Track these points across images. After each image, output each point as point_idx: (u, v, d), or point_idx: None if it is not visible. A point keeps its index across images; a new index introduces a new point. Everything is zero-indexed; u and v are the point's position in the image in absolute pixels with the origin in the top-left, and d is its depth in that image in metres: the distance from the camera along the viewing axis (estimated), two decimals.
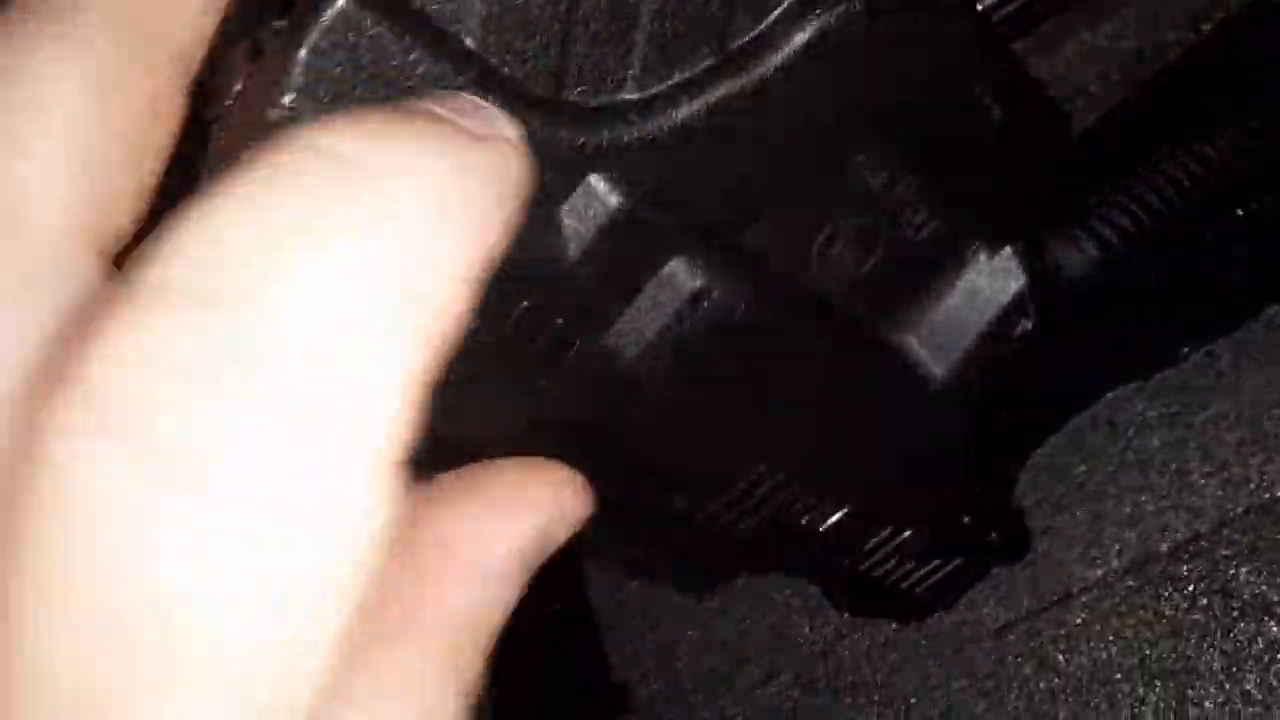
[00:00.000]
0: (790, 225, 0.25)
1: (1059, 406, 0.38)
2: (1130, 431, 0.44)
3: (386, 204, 0.14)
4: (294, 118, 0.17)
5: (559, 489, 0.21)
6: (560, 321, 0.22)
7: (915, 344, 0.29)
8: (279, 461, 0.13)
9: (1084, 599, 0.44)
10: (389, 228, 0.14)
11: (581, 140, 0.20)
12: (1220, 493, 0.44)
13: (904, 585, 0.39)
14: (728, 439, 0.28)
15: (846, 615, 0.47)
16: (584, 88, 0.20)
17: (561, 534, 0.21)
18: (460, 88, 0.18)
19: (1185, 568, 0.43)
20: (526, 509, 0.21)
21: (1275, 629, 0.42)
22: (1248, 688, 0.42)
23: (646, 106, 0.21)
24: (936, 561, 0.39)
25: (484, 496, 0.20)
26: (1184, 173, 0.31)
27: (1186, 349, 0.37)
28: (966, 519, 0.38)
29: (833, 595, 0.42)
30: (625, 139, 0.21)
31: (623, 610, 0.50)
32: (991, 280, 0.28)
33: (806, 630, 0.48)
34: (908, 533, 0.36)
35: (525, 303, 0.22)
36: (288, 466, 0.13)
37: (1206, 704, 0.42)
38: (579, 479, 0.22)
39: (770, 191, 0.24)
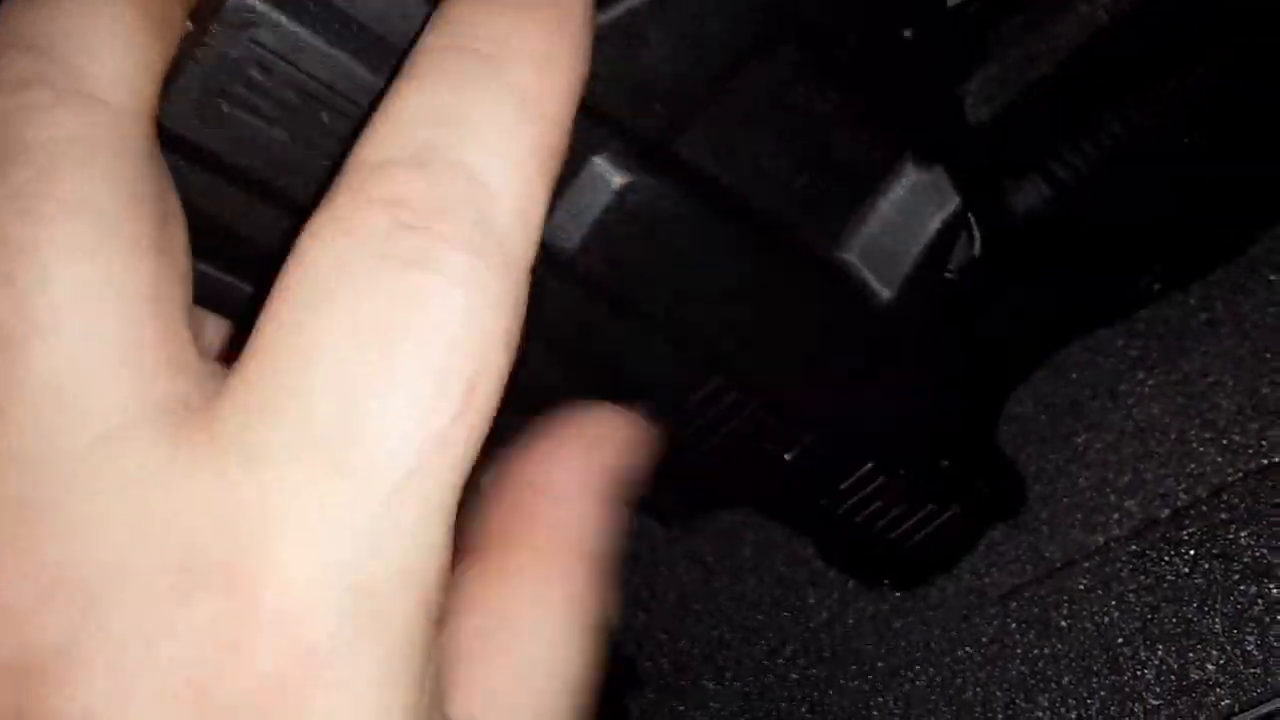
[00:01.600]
0: (720, 137, 0.27)
1: (1028, 345, 0.39)
2: (1130, 400, 0.45)
3: (519, 77, 0.19)
4: (248, 9, 0.20)
5: (615, 429, 0.26)
6: None
7: (856, 262, 0.30)
8: (483, 248, 0.18)
9: (1086, 565, 0.45)
10: (523, 92, 0.19)
11: None
12: (1219, 459, 0.44)
13: (892, 536, 0.40)
14: (677, 347, 0.29)
15: (851, 583, 0.47)
16: None
17: (625, 464, 0.26)
18: None
19: (1185, 532, 0.44)
20: (592, 449, 0.25)
21: (1274, 590, 0.42)
22: (1248, 649, 0.42)
23: None
24: (926, 512, 0.40)
25: (559, 443, 0.25)
26: (1132, 108, 0.33)
27: (1151, 281, 0.38)
28: (946, 463, 0.39)
29: (824, 548, 0.43)
30: None
31: (629, 584, 0.51)
32: (925, 200, 0.29)
33: (811, 600, 0.48)
34: (884, 476, 0.37)
35: None
36: (489, 258, 0.18)
37: (1208, 665, 0.42)
38: (634, 418, 0.27)
39: (692, 100, 0.26)
